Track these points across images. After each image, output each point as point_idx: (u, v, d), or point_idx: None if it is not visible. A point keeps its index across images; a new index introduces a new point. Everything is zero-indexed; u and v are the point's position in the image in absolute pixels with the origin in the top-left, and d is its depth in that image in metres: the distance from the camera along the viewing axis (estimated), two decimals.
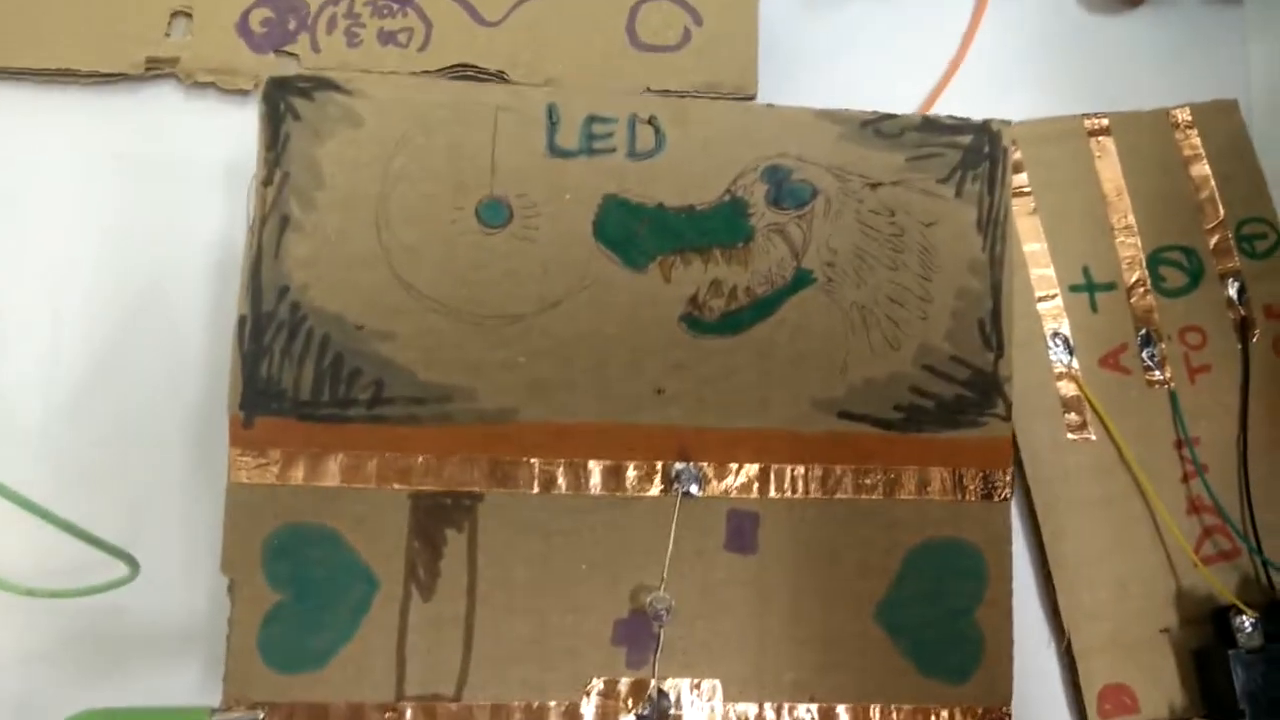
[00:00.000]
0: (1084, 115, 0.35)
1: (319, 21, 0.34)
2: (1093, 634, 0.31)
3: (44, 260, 0.32)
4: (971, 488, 0.28)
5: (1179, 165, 0.35)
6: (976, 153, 0.29)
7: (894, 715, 0.27)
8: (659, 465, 0.27)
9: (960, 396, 0.29)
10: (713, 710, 0.27)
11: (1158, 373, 0.33)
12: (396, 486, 0.26)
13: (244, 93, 0.33)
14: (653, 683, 0.26)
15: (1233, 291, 0.34)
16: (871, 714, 0.27)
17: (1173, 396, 0.32)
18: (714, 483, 0.28)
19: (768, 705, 0.27)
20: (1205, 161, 0.35)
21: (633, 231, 0.28)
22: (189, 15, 0.34)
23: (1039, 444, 0.32)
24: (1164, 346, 0.33)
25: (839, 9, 0.36)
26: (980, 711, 0.27)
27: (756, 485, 0.28)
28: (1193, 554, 0.31)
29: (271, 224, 0.27)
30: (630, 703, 0.26)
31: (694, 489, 0.27)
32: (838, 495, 0.28)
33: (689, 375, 0.28)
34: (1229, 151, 0.35)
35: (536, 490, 0.27)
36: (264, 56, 0.33)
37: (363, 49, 0.33)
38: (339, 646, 0.26)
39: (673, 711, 0.26)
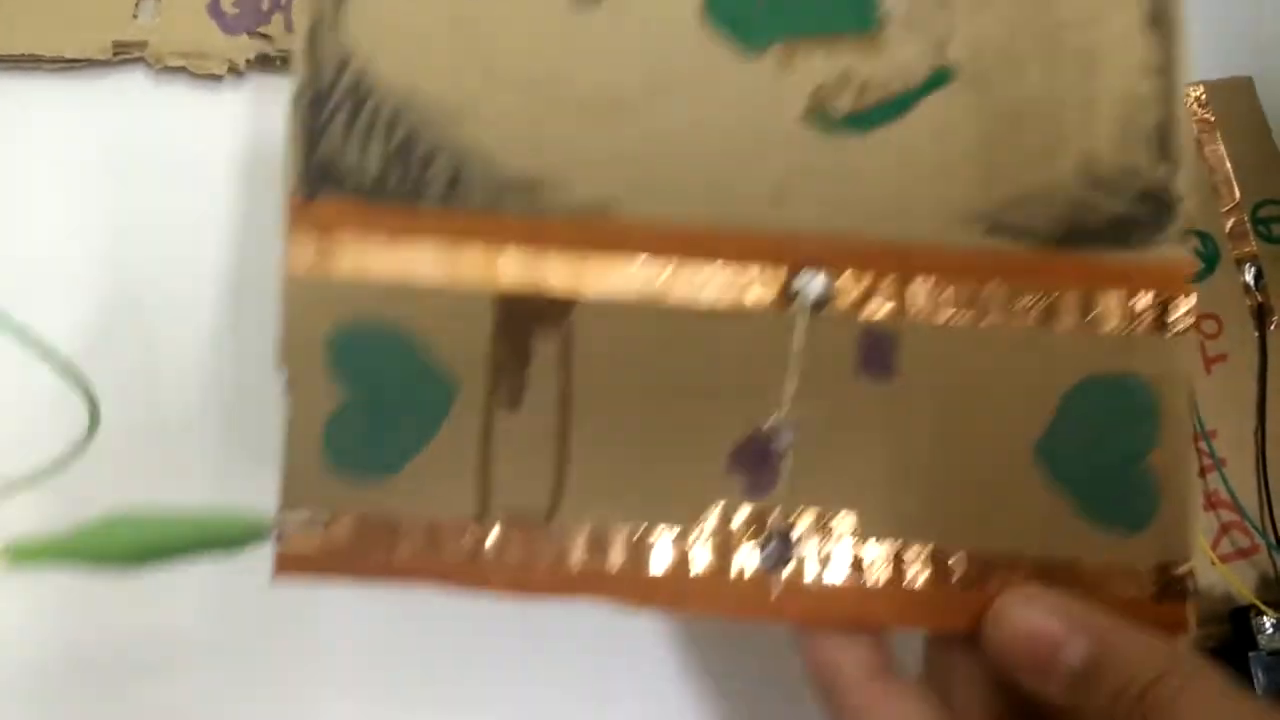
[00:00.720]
0: None
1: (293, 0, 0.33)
2: None
3: (16, 248, 0.31)
4: (1144, 316, 0.24)
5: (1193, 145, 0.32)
6: None
7: (1059, 571, 0.23)
8: (783, 275, 0.23)
9: (1130, 213, 0.24)
10: (845, 548, 0.22)
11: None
12: (478, 284, 0.23)
13: (216, 78, 0.32)
14: (775, 513, 0.22)
15: (1249, 277, 0.32)
16: (1033, 564, 0.23)
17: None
18: (845, 296, 0.23)
19: (913, 548, 0.23)
20: (1220, 141, 0.34)
21: (749, 11, 0.24)
22: None
23: None
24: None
25: None
26: (1156, 565, 0.23)
27: (894, 302, 0.23)
28: (1210, 551, 0.30)
29: None
30: (749, 535, 0.22)
31: (822, 304, 0.23)
32: (989, 318, 0.24)
33: (814, 177, 0.24)
34: (1244, 131, 0.34)
35: (640, 295, 0.23)
36: (236, 38, 0.33)
37: None
38: (413, 453, 0.22)
39: (796, 550, 0.22)
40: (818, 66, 0.24)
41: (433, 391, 0.22)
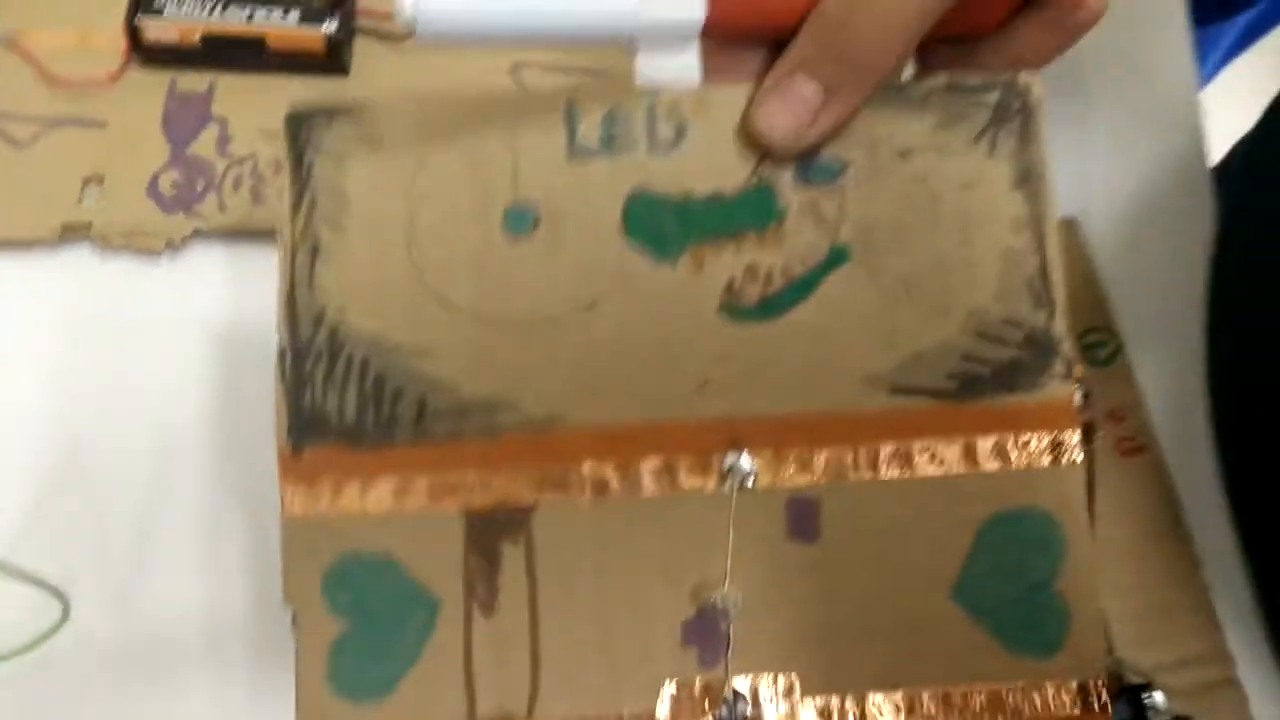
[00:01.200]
0: None
1: (225, 182, 0.37)
2: None
3: None
4: (1038, 453, 0.27)
5: None
6: (1005, 109, 0.28)
7: (983, 696, 0.26)
8: (712, 459, 0.27)
9: (1016, 359, 0.28)
10: (791, 707, 0.26)
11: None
12: (448, 504, 0.26)
13: (156, 253, 0.35)
14: (728, 685, 0.26)
15: (1079, 398, 0.33)
16: (960, 698, 0.26)
17: None
18: (769, 471, 0.27)
19: (849, 697, 0.26)
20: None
21: (661, 225, 0.27)
22: (100, 182, 0.36)
23: None
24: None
25: None
26: (1075, 684, 0.26)
27: (812, 470, 0.27)
28: None
29: (302, 253, 0.27)
30: (706, 704, 0.26)
31: (749, 480, 0.27)
32: (898, 473, 0.27)
33: (732, 364, 0.27)
34: (1071, 267, 0.36)
35: (589, 495, 0.26)
36: (173, 217, 0.36)
37: (267, 206, 0.36)
38: (406, 670, 0.25)
39: (750, 711, 0.26)
40: (727, 263, 0.28)
41: (419, 609, 0.26)
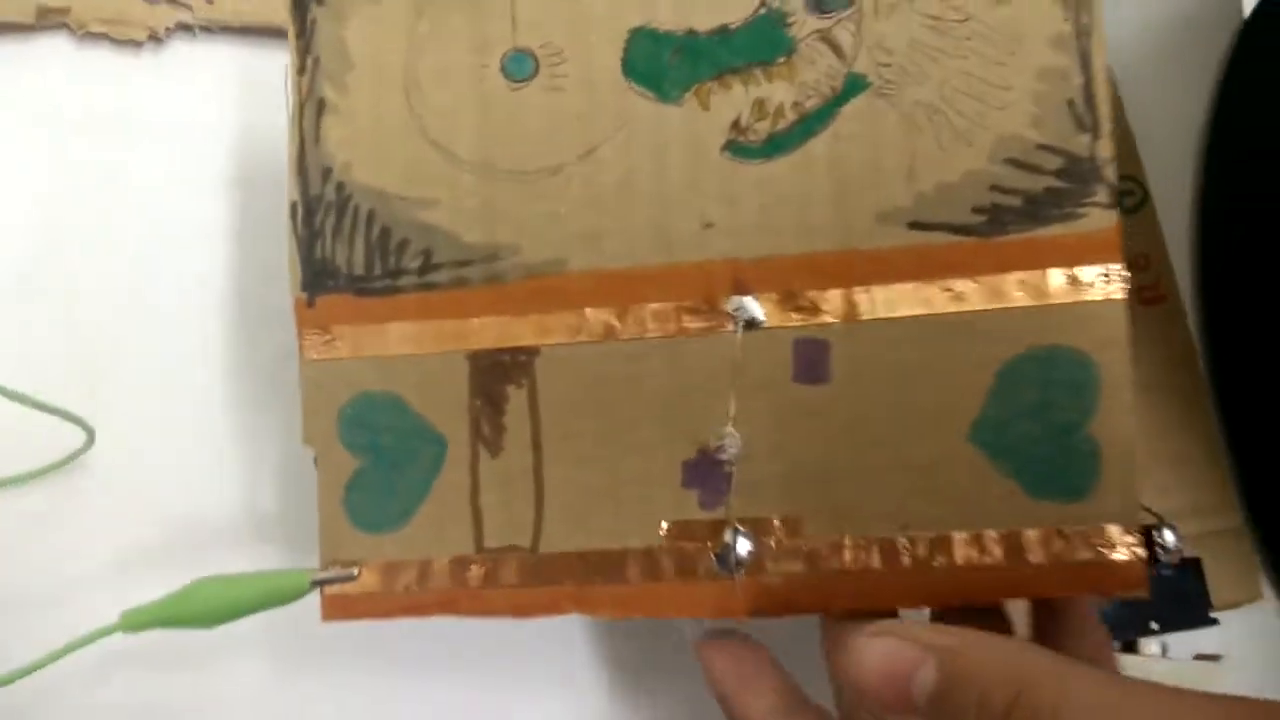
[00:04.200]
0: None
1: None
2: None
3: None
4: (1074, 287, 0.25)
5: None
6: None
7: (1001, 542, 0.25)
8: (717, 301, 0.26)
9: (1052, 188, 0.25)
10: (797, 548, 0.25)
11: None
12: (454, 349, 0.27)
13: (137, 43, 0.34)
14: (727, 522, 0.25)
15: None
16: (977, 541, 0.25)
17: None
18: (776, 313, 0.26)
19: (860, 537, 0.25)
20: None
21: (664, 63, 0.26)
22: None
23: None
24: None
25: None
26: (1104, 531, 0.24)
27: (823, 311, 0.26)
28: None
29: (309, 110, 0.27)
30: (707, 543, 0.25)
31: (755, 319, 0.26)
32: (914, 312, 0.25)
33: (739, 204, 0.26)
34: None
35: (591, 339, 0.26)
36: (156, 6, 0.34)
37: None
38: (418, 505, 0.26)
39: (750, 550, 0.25)
40: (734, 100, 0.27)
41: (428, 447, 0.27)
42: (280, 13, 0.29)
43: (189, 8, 0.34)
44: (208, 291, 0.34)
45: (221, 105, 0.34)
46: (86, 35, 0.34)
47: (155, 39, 0.34)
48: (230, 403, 0.33)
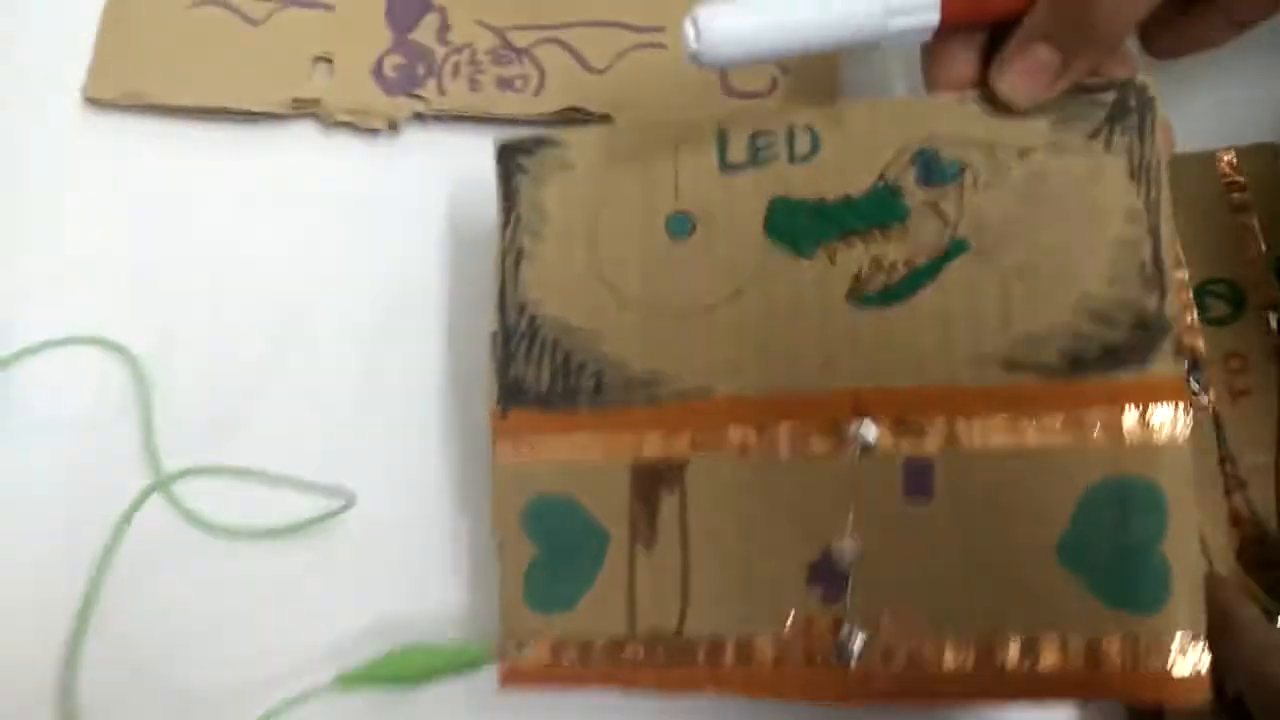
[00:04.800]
0: None
1: (444, 68, 0.39)
2: None
3: (205, 283, 0.38)
4: (1144, 427, 0.30)
5: (1224, 205, 0.38)
6: (1122, 106, 0.31)
7: (1083, 649, 0.29)
8: (839, 425, 0.31)
9: (1126, 339, 0.30)
10: (905, 644, 0.30)
11: (1204, 396, 0.35)
12: (618, 458, 0.32)
13: (376, 131, 0.39)
14: (847, 620, 0.30)
15: (1272, 321, 0.36)
16: (1063, 648, 0.29)
17: (1216, 417, 0.35)
18: (889, 437, 0.31)
19: (957, 639, 0.30)
20: (1248, 200, 0.37)
21: (799, 225, 0.32)
22: (330, 61, 0.39)
23: None
24: (1209, 372, 0.35)
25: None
26: (1176, 640, 0.28)
27: (928, 436, 0.31)
28: (1235, 560, 0.34)
29: (510, 258, 0.34)
30: (828, 635, 0.31)
31: (871, 441, 0.31)
32: (1007, 442, 0.30)
33: (859, 343, 0.32)
34: (1270, 191, 0.37)
35: (733, 454, 0.32)
36: (395, 98, 0.38)
37: (483, 94, 0.38)
38: (584, 591, 0.32)
39: (864, 644, 0.30)
40: (856, 257, 0.32)
41: (594, 541, 0.32)
42: (499, 103, 0.36)
43: (424, 99, 0.38)
44: (433, 352, 0.38)
45: (448, 184, 0.39)
46: (333, 124, 0.39)
47: (393, 126, 0.39)
48: (435, 488, 0.37)
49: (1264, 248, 0.37)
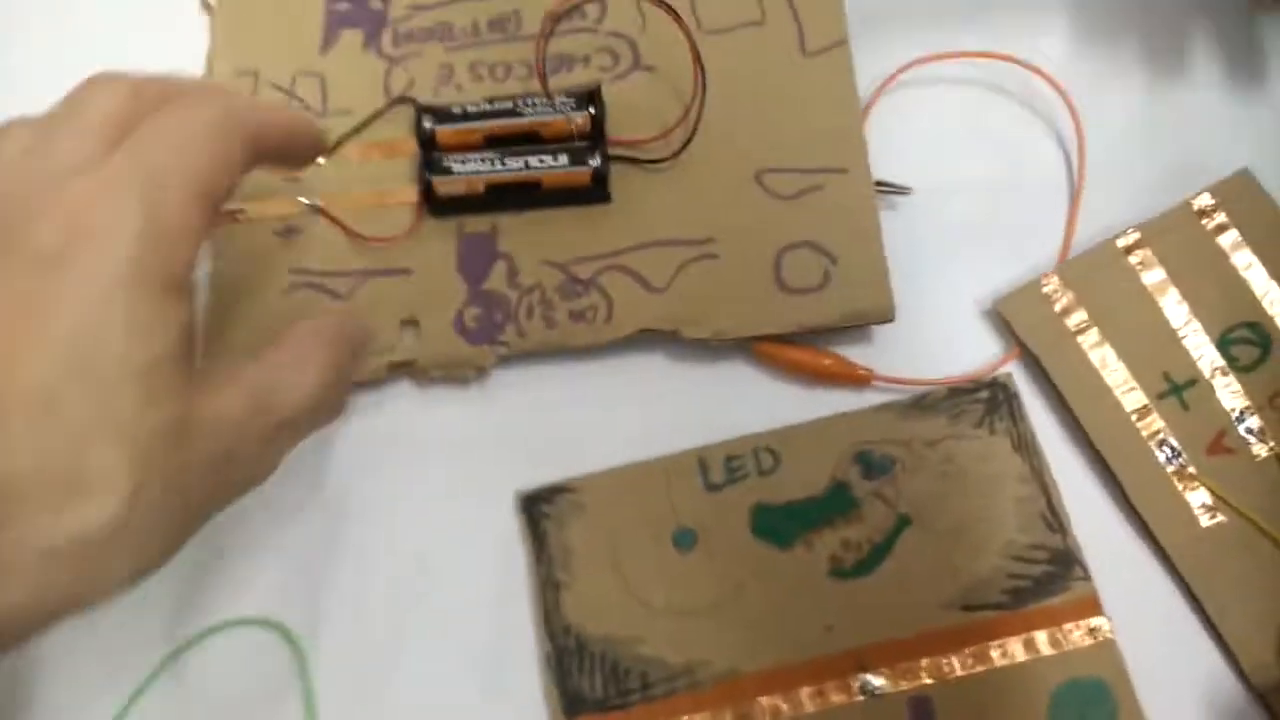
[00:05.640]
0: (1115, 238, 0.40)
1: (519, 311, 0.41)
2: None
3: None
4: (1078, 636, 0.38)
5: (1216, 250, 0.37)
6: (994, 401, 0.42)
7: None
8: (848, 679, 0.38)
9: (1047, 572, 0.39)
10: None
11: (1260, 444, 0.36)
12: None
13: (465, 380, 0.42)
14: None
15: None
16: None
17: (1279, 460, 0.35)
18: (889, 682, 0.38)
19: None
20: (1239, 237, 0.37)
21: (778, 524, 0.41)
22: (416, 324, 0.41)
23: (1180, 540, 0.38)
24: (1259, 418, 0.37)
25: (936, 215, 0.44)
26: None
27: (921, 676, 0.38)
28: None
29: (549, 590, 0.41)
30: None
31: (877, 690, 0.38)
32: (982, 667, 0.38)
33: (847, 611, 0.39)
34: (1257, 220, 0.37)
35: (767, 718, 0.38)
36: (479, 347, 0.41)
37: (559, 329, 0.41)
38: None
39: None
40: (828, 542, 0.41)
41: None
42: (575, 335, 0.40)
43: (506, 344, 0.41)
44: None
45: (534, 414, 0.42)
46: (427, 380, 0.42)
47: (481, 371, 0.41)
48: None
49: (1270, 279, 0.36)
